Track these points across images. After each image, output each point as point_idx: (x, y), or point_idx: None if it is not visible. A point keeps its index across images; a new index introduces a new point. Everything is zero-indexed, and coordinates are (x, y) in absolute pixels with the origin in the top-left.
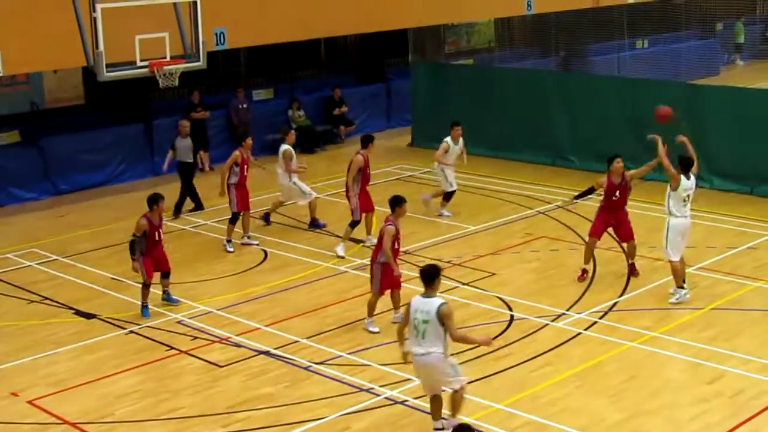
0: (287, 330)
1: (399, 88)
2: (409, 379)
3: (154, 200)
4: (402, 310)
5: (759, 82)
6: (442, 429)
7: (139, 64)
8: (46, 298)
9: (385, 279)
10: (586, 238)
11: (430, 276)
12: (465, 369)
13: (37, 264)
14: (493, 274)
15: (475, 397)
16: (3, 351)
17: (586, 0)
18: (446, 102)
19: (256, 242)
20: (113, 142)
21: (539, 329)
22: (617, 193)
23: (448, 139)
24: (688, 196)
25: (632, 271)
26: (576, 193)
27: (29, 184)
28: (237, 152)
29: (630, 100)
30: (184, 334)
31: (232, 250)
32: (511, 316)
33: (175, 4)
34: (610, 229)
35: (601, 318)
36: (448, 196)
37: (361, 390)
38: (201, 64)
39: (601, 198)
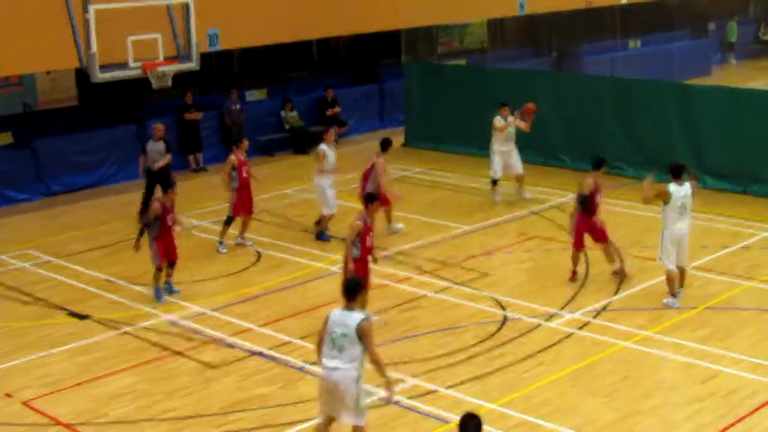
0: (281, 330)
1: (392, 88)
2: (402, 380)
3: (169, 185)
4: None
5: (752, 82)
6: None
7: (132, 65)
8: (40, 299)
9: (361, 274)
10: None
11: (352, 290)
12: (458, 369)
13: (30, 265)
14: (487, 274)
15: (469, 397)
16: None
17: (578, 0)
18: (439, 103)
19: (250, 243)
20: (106, 143)
21: (533, 329)
22: (599, 197)
23: (498, 116)
24: (684, 204)
25: (620, 273)
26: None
27: (22, 185)
28: (233, 156)
29: (622, 100)
30: (177, 335)
31: (225, 251)
32: (505, 316)
33: (167, 5)
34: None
35: (594, 318)
36: (495, 183)
37: None
38: (194, 65)
39: (578, 202)
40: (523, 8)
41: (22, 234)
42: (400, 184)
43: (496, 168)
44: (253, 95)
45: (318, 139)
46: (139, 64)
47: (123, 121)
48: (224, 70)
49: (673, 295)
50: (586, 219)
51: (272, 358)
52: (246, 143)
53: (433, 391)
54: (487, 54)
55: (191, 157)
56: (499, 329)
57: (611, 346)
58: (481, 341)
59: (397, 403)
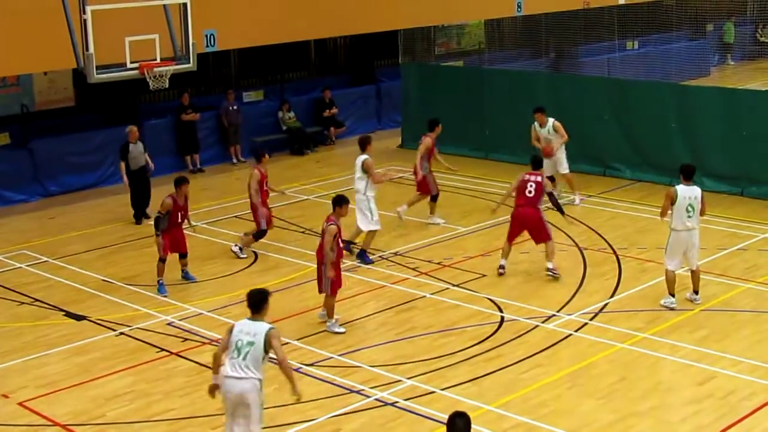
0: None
1: (389, 89)
2: (399, 381)
3: (179, 182)
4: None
5: (750, 83)
6: None
7: (129, 66)
8: (37, 300)
9: (339, 279)
10: (576, 240)
11: (257, 302)
12: (456, 371)
13: (27, 266)
14: (484, 275)
15: (466, 398)
16: None
17: (576, 1)
18: (436, 103)
19: (245, 256)
20: (103, 144)
21: (530, 330)
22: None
23: (536, 123)
24: (692, 206)
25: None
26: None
27: (19, 186)
28: (256, 171)
29: (620, 101)
30: (174, 336)
31: (245, 256)
32: (502, 318)
33: (165, 6)
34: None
35: (591, 319)
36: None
37: (352, 392)
38: (191, 65)
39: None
40: (521, 9)
41: (19, 235)
42: (398, 186)
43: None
44: (251, 96)
45: (316, 139)
46: (136, 64)
47: (120, 122)
48: (221, 70)
49: (671, 294)
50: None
51: (269, 360)
52: (267, 158)
53: (431, 393)
54: (484, 55)
55: (188, 158)
56: (496, 331)
57: (608, 347)
58: (478, 342)
59: (394, 404)
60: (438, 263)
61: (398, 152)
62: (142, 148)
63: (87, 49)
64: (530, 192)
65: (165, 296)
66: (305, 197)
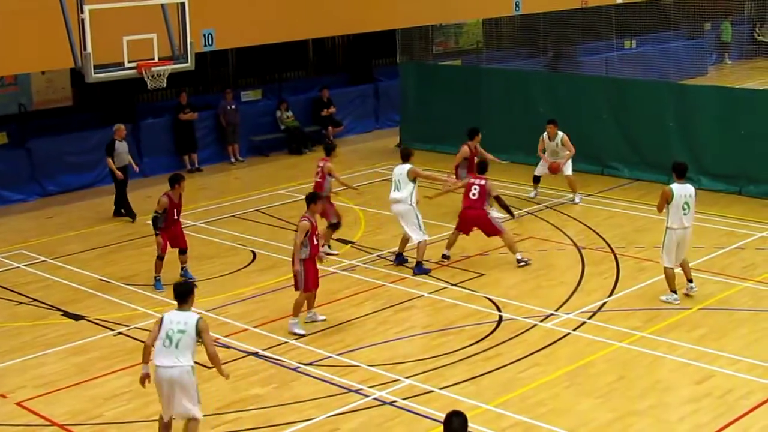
0: (276, 331)
1: (387, 88)
2: (397, 380)
3: (176, 180)
4: (314, 309)
5: (747, 82)
6: None
7: (127, 65)
8: (35, 300)
9: (310, 276)
10: (574, 240)
11: (183, 294)
12: (454, 370)
13: (25, 265)
14: (482, 274)
15: (464, 397)
16: None
17: (574, 0)
18: (434, 103)
19: (336, 252)
20: (101, 143)
21: (528, 330)
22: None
23: (544, 134)
24: (687, 204)
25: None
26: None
27: (17, 185)
28: (330, 164)
29: (618, 100)
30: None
31: (336, 252)
32: (500, 317)
33: (162, 5)
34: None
35: (589, 318)
36: (536, 180)
37: (350, 391)
38: (189, 65)
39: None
40: (519, 8)
41: (17, 234)
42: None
43: (539, 169)
44: (249, 95)
45: (314, 138)
46: (134, 64)
47: (118, 122)
48: (219, 70)
49: (673, 290)
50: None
51: (267, 359)
52: (335, 153)
53: (429, 392)
54: (482, 54)
55: (186, 158)
56: (494, 330)
57: (606, 346)
58: (476, 342)
59: (392, 403)
60: (436, 262)
61: (396, 151)
62: (127, 148)
63: (85, 49)
64: (474, 195)
65: (161, 292)
66: (303, 196)
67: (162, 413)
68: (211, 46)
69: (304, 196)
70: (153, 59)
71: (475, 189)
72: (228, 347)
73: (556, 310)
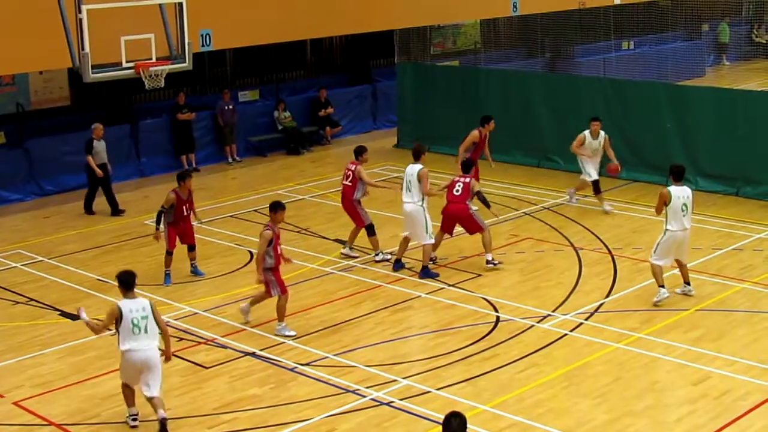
0: (273, 331)
1: (385, 89)
2: (395, 381)
3: (182, 177)
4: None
5: (745, 83)
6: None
7: (124, 65)
8: (32, 300)
9: (281, 280)
10: (572, 240)
11: (129, 283)
12: (451, 370)
13: (22, 265)
14: (479, 275)
15: (462, 398)
16: None
17: (571, 1)
18: (432, 103)
19: (356, 255)
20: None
21: (525, 330)
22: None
23: (587, 132)
24: (685, 205)
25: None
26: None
27: (15, 185)
28: (361, 167)
29: (616, 101)
30: (170, 335)
31: (387, 257)
32: (497, 318)
33: (160, 5)
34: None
35: (587, 319)
36: (597, 189)
37: (347, 391)
38: (187, 65)
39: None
40: (516, 9)
41: (14, 234)
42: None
43: (593, 172)
44: (246, 95)
45: (312, 139)
46: (131, 64)
47: (116, 122)
48: (217, 70)
49: (662, 285)
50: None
51: (265, 359)
52: (367, 157)
53: (426, 392)
54: (480, 55)
55: (184, 158)
56: (491, 330)
57: (604, 347)
58: (473, 342)
59: (390, 403)
60: (433, 263)
61: (394, 152)
62: (104, 146)
63: (83, 49)
64: (457, 191)
65: (168, 286)
66: (301, 197)
67: (126, 383)
68: (209, 47)
69: (302, 197)
70: (151, 59)
71: (459, 185)
72: (225, 347)
73: (553, 311)
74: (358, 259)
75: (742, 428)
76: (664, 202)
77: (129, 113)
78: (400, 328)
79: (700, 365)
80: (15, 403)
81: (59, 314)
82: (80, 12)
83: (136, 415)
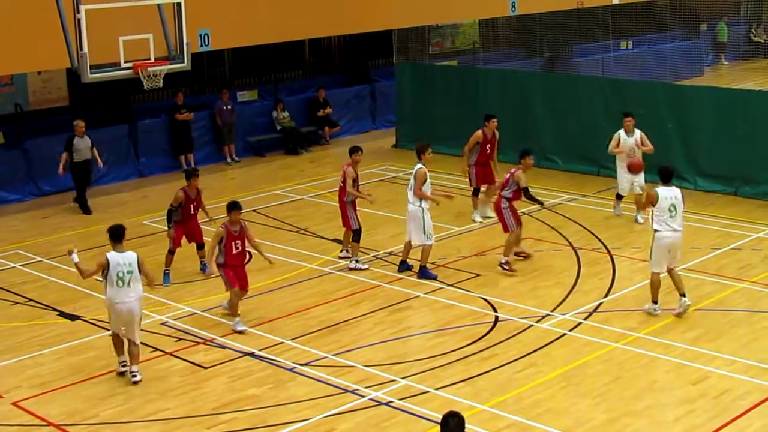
0: (272, 331)
1: (383, 89)
2: (394, 381)
3: (188, 175)
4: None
5: (743, 83)
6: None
7: (123, 65)
8: (31, 300)
9: (231, 276)
10: (570, 240)
11: (117, 235)
12: (450, 370)
13: (21, 265)
14: (478, 275)
15: (460, 398)
16: None
17: (570, 1)
18: (430, 103)
19: (365, 266)
20: (97, 143)
21: (524, 330)
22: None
23: (620, 131)
24: (674, 206)
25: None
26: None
27: (13, 185)
28: (351, 169)
29: (614, 101)
30: (168, 336)
31: (365, 267)
32: (496, 317)
33: (159, 5)
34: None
35: (585, 319)
36: (618, 196)
37: (346, 391)
38: (185, 65)
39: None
40: (515, 8)
41: (12, 234)
42: (392, 185)
43: (624, 184)
44: (245, 96)
45: (310, 139)
46: (130, 64)
47: (114, 122)
48: (215, 70)
49: (654, 301)
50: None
51: (263, 359)
52: (358, 158)
53: (425, 392)
54: (478, 54)
55: (182, 158)
56: (490, 330)
57: (602, 347)
58: (472, 342)
59: (389, 403)
60: (432, 263)
61: (393, 152)
62: (89, 143)
63: (81, 49)
64: (503, 185)
65: (167, 286)
66: (299, 197)
67: (114, 331)
68: (208, 47)
69: (301, 197)
70: (149, 59)
71: (506, 178)
72: (224, 347)
73: (552, 311)
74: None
75: (740, 428)
76: (651, 202)
77: (127, 113)
78: (398, 328)
79: (698, 365)
80: (14, 404)
81: (58, 314)
82: (78, 12)
83: (125, 361)
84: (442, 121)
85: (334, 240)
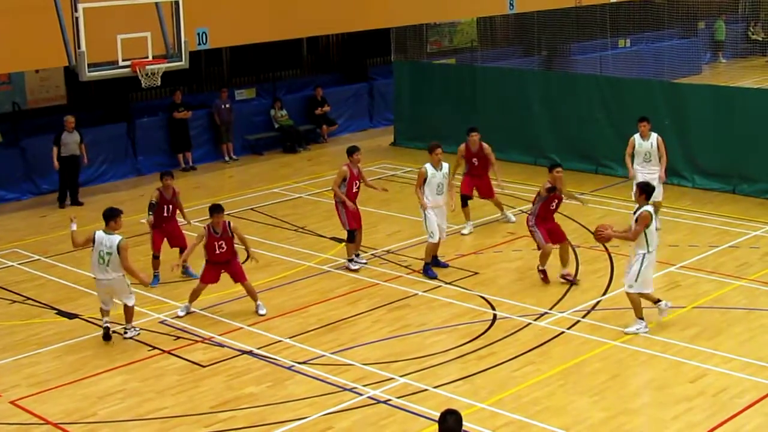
0: (270, 330)
1: (381, 87)
2: (392, 379)
3: (162, 176)
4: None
5: (741, 81)
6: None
7: (121, 63)
8: (29, 299)
9: (206, 272)
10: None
11: (106, 218)
12: (448, 368)
13: (19, 264)
14: (476, 273)
15: (458, 396)
16: None
17: None
18: (428, 101)
19: (364, 261)
20: (95, 142)
21: (522, 328)
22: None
23: (636, 135)
24: (656, 225)
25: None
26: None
27: (11, 184)
28: (345, 167)
29: (612, 99)
30: (166, 334)
31: (356, 267)
32: (494, 315)
33: (156, 3)
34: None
35: (583, 317)
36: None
37: (344, 390)
38: (183, 63)
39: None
40: (513, 7)
41: (10, 233)
42: (390, 184)
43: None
44: (243, 94)
45: (308, 137)
46: (128, 62)
47: (112, 120)
48: (213, 68)
49: (642, 317)
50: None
51: (261, 358)
52: (358, 157)
53: (423, 390)
54: (476, 53)
55: (180, 156)
56: (488, 328)
57: (600, 345)
58: (470, 340)
59: (387, 402)
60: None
61: (391, 150)
62: (77, 138)
63: (79, 47)
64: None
65: (154, 287)
66: (297, 195)
67: (101, 306)
68: (206, 45)
69: (299, 195)
70: (147, 58)
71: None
72: (222, 346)
73: (550, 309)
74: (360, 258)
75: (738, 426)
76: (646, 224)
77: (125, 112)
78: (397, 326)
79: (696, 363)
80: (12, 402)
81: (56, 313)
82: (76, 11)
83: (108, 324)
84: (439, 119)
85: (332, 238)
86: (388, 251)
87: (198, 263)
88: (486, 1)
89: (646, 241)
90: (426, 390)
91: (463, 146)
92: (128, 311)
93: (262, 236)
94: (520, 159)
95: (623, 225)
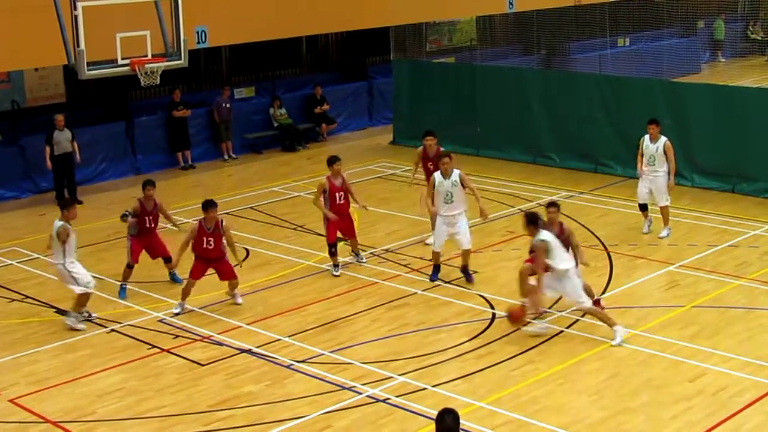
0: (269, 328)
1: (380, 86)
2: (390, 378)
3: (143, 186)
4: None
5: (740, 80)
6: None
7: (120, 62)
8: (28, 297)
9: (195, 268)
10: None
11: (60, 206)
12: (447, 367)
13: (18, 262)
14: (475, 272)
15: (457, 395)
16: None
17: None
18: (428, 100)
19: (337, 273)
20: (94, 140)
21: (521, 327)
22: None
23: (646, 136)
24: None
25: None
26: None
27: (10, 182)
28: (324, 179)
29: (611, 98)
30: (165, 333)
31: (337, 273)
32: (493, 314)
33: (156, 2)
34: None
35: (582, 316)
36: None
37: (343, 388)
38: (182, 62)
39: None
40: (512, 5)
41: (9, 231)
42: (389, 182)
43: (641, 192)
44: (242, 93)
45: (308, 136)
46: (127, 61)
47: (111, 119)
48: (212, 67)
49: (614, 325)
50: None
51: (260, 356)
52: (338, 167)
53: (422, 389)
54: (475, 51)
55: (179, 155)
56: (487, 327)
57: (599, 344)
58: (469, 339)
59: (385, 400)
60: (429, 260)
61: (390, 149)
62: (69, 136)
63: (78, 46)
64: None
65: (124, 299)
66: (296, 194)
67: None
68: (205, 43)
69: (298, 194)
70: (146, 56)
71: None
72: (221, 344)
73: (549, 308)
74: (358, 257)
75: (737, 425)
76: (545, 250)
77: (125, 110)
78: (395, 325)
79: (695, 362)
80: (11, 401)
81: (55, 311)
82: (75, 9)
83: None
84: (439, 118)
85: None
86: (387, 250)
87: (185, 268)
88: (485, 0)
89: (562, 258)
90: (425, 389)
91: (420, 149)
92: (76, 299)
93: (261, 235)
94: (520, 158)
95: (626, 221)
